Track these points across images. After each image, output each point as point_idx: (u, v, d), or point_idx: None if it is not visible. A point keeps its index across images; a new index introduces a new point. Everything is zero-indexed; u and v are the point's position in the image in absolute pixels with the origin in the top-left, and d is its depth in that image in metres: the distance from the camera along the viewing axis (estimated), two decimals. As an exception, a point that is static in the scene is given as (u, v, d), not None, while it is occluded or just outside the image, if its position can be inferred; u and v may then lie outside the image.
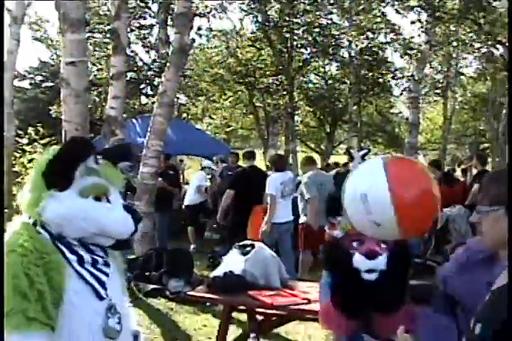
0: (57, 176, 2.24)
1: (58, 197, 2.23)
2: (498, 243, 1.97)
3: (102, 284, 2.29)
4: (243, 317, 6.36)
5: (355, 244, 3.28)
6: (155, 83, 22.04)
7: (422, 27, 16.19)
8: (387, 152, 38.85)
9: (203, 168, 13.01)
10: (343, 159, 17.85)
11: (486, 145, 33.82)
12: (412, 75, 18.62)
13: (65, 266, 2.22)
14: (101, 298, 2.27)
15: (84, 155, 2.27)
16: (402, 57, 22.40)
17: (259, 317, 5.95)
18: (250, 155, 10.13)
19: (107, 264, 2.36)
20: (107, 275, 2.33)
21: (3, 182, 8.66)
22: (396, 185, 2.52)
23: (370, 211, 2.48)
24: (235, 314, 6.23)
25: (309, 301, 4.99)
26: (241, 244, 5.65)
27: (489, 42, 13.69)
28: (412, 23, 16.50)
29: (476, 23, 12.13)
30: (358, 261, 3.23)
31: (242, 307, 5.93)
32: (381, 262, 3.22)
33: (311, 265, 9.28)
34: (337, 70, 26.42)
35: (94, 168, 2.33)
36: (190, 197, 12.25)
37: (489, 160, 30.88)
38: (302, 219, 9.01)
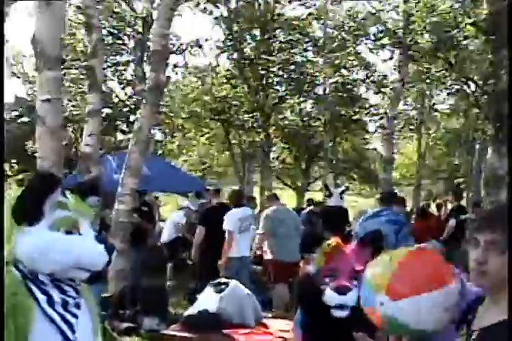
0: (26, 211, 2.24)
1: (29, 231, 2.23)
2: (502, 284, 1.96)
3: (71, 326, 2.26)
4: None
5: (327, 279, 3.27)
6: (131, 119, 22.07)
7: (395, 65, 16.45)
8: (362, 188, 39.09)
9: (181, 208, 12.99)
10: (319, 195, 17.89)
11: (461, 180, 34.13)
12: (386, 113, 18.82)
13: (33, 307, 2.19)
14: (68, 340, 2.25)
15: (50, 188, 2.27)
16: (376, 94, 22.73)
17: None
18: (216, 192, 10.42)
19: (77, 306, 2.33)
20: (76, 317, 2.29)
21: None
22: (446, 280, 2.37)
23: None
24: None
25: (285, 340, 4.97)
26: (216, 282, 5.63)
27: (461, 80, 13.90)
28: (384, 61, 16.80)
29: (447, 61, 12.31)
30: (328, 296, 3.21)
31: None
32: (351, 298, 3.20)
33: (286, 302, 9.34)
34: (312, 107, 26.60)
35: (62, 201, 2.34)
36: (168, 233, 12.21)
37: (464, 195, 31.18)
38: (269, 255, 9.28)
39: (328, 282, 3.24)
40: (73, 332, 2.26)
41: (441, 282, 2.21)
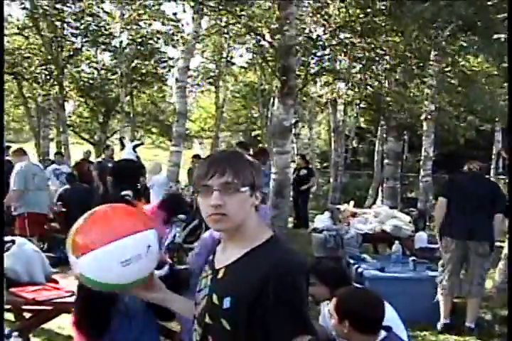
0: None
1: None
2: (240, 221, 2.10)
3: None
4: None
5: None
6: None
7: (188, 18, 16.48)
8: (161, 141, 39.25)
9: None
10: (117, 149, 17.84)
11: (258, 132, 35.15)
12: (173, 66, 18.71)
13: None
14: None
15: None
16: (173, 47, 22.70)
17: (28, 315, 5.78)
18: None
19: None
20: None
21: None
22: None
23: None
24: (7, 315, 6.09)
25: (73, 293, 5.01)
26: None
27: (251, 35, 14.15)
28: (174, 14, 16.78)
29: (235, 16, 12.53)
30: None
31: (8, 307, 5.76)
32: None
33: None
34: (111, 60, 26.14)
35: None
36: None
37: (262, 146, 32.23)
38: (27, 209, 9.39)
39: None
40: None
41: (122, 233, 2.14)
